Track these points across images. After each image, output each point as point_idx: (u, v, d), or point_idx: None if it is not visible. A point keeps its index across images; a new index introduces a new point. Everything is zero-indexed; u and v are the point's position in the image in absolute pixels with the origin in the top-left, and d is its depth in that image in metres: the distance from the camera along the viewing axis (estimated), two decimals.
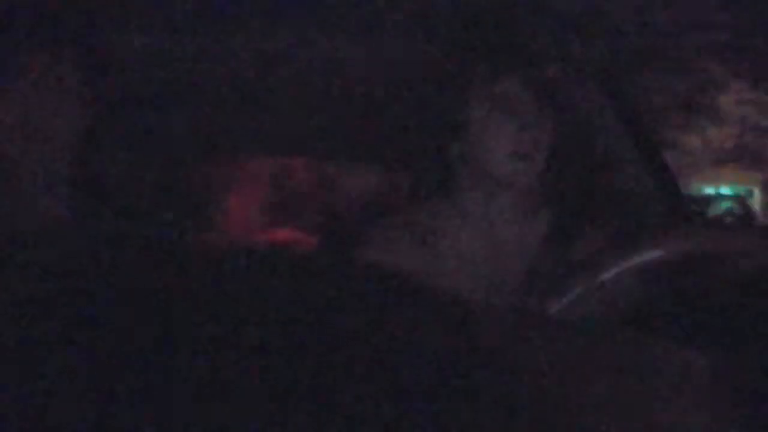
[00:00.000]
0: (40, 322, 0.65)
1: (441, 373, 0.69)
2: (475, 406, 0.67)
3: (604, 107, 2.13)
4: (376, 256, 1.84)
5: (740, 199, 14.12)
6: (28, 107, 1.66)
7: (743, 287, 1.16)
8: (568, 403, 0.72)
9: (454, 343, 0.74)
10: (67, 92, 1.69)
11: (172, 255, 0.78)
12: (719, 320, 1.12)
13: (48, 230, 1.51)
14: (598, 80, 2.12)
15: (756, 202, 14.80)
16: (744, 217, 13.00)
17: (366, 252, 1.89)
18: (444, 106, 1.88)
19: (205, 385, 0.63)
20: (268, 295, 0.73)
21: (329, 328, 0.71)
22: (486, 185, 1.86)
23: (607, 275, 1.16)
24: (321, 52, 2.36)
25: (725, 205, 13.54)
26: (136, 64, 2.27)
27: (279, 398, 0.63)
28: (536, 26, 1.91)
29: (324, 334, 0.70)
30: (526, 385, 0.72)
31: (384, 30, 2.20)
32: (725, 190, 14.65)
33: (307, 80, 2.49)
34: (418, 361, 0.69)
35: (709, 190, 14.49)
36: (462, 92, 1.85)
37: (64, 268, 0.72)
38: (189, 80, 2.50)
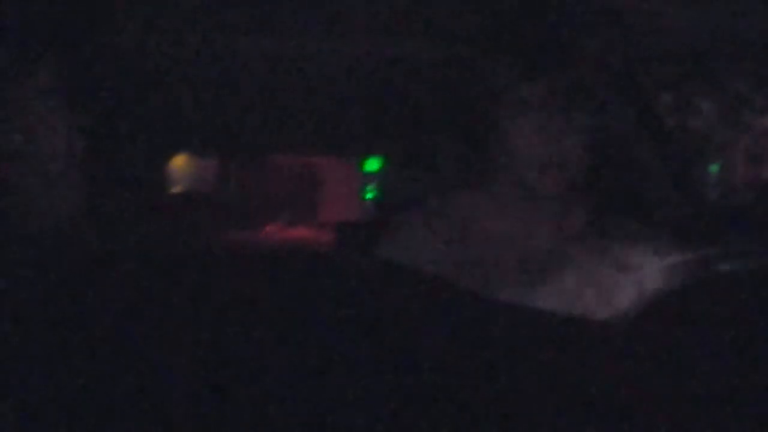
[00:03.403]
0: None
1: (459, 373, 0.68)
2: (495, 401, 0.67)
3: (625, 109, 2.11)
4: (401, 252, 1.85)
5: None
6: (29, 109, 1.67)
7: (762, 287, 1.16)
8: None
9: (473, 342, 0.73)
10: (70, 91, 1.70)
11: (191, 256, 0.77)
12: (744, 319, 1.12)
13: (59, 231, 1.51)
14: (620, 81, 2.10)
15: None
16: None
17: (389, 247, 1.89)
18: (472, 108, 1.86)
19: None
20: (285, 292, 0.72)
21: (348, 325, 0.70)
22: (515, 187, 1.84)
23: (638, 274, 1.15)
24: (352, 53, 2.35)
25: None
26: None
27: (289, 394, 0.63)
28: (565, 28, 1.88)
29: (342, 331, 0.69)
30: (550, 382, 0.71)
31: (414, 31, 2.19)
32: None
33: (341, 81, 2.48)
34: (432, 358, 0.69)
35: None
36: (490, 94, 1.83)
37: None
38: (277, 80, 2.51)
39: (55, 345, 0.64)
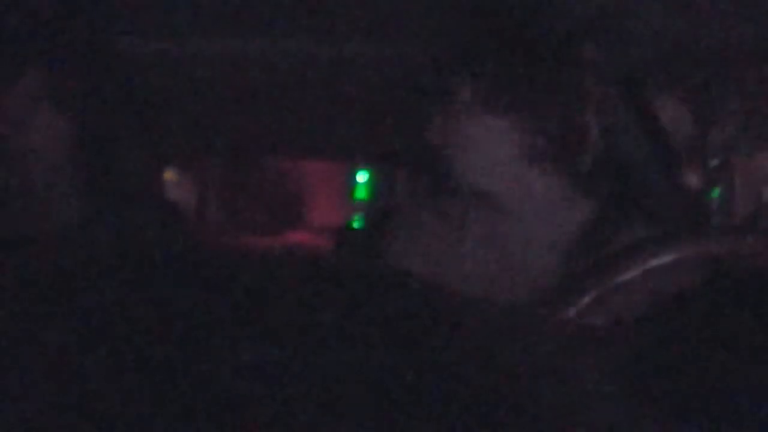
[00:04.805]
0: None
1: (454, 379, 0.68)
2: (479, 409, 0.66)
3: (621, 110, 2.10)
4: (401, 255, 1.85)
5: None
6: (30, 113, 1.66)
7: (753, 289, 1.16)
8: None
9: (468, 349, 0.73)
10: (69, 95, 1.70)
11: (188, 259, 0.78)
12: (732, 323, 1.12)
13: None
14: (615, 83, 2.09)
15: None
16: None
17: (388, 248, 1.89)
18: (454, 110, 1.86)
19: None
20: (283, 298, 0.72)
21: (345, 334, 0.70)
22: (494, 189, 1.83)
23: (622, 278, 1.15)
24: (326, 54, 2.34)
25: None
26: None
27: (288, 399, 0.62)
28: (550, 28, 1.87)
29: (339, 340, 0.69)
30: (548, 382, 0.71)
31: (385, 32, 2.19)
32: None
33: (316, 82, 2.49)
34: (428, 366, 0.68)
35: None
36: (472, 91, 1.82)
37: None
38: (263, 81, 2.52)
39: (53, 347, 0.64)
